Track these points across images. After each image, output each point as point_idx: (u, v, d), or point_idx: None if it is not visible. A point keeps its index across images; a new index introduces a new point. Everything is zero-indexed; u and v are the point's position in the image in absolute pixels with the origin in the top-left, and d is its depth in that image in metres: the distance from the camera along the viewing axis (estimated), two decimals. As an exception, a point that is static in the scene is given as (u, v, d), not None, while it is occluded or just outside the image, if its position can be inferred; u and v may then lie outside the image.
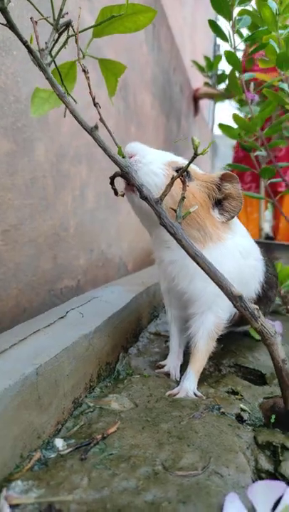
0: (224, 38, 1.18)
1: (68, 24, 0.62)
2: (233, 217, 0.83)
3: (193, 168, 0.82)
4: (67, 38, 0.63)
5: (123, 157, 0.65)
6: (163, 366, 0.92)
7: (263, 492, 0.51)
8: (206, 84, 2.76)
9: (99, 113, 0.62)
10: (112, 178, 0.67)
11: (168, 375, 0.89)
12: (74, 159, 1.26)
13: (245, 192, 0.86)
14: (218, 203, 0.83)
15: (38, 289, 1.10)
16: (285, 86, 1.14)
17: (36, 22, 0.60)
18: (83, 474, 0.54)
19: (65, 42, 0.63)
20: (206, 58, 2.57)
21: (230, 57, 1.17)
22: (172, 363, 0.91)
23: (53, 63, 0.61)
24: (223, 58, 1.18)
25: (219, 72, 2.57)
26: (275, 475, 0.61)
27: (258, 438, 0.66)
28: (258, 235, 2.27)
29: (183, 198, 0.65)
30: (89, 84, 0.62)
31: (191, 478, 0.54)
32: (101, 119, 0.63)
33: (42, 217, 1.10)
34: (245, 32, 1.68)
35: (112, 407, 0.73)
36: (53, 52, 0.62)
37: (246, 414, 0.75)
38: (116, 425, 0.66)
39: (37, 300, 1.09)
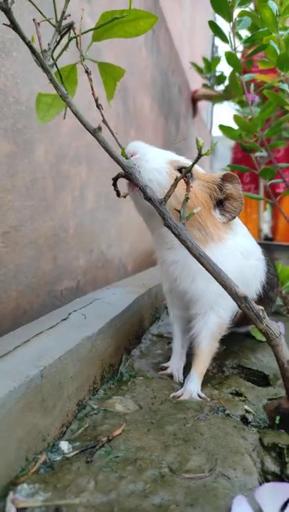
0: (224, 39, 1.18)
1: (70, 26, 0.61)
2: (234, 217, 0.83)
3: (195, 167, 0.82)
4: (69, 40, 0.62)
5: (126, 158, 0.64)
6: (166, 368, 0.91)
7: (271, 494, 0.51)
8: (205, 85, 2.76)
9: (102, 114, 0.62)
10: (115, 180, 0.67)
11: (171, 376, 0.89)
12: (74, 160, 1.26)
13: (244, 193, 0.85)
14: (220, 204, 0.83)
15: (38, 290, 1.09)
16: (285, 87, 1.14)
17: (39, 23, 0.60)
18: (90, 477, 0.53)
19: (67, 44, 0.63)
20: (205, 60, 2.57)
21: (231, 58, 1.17)
22: (175, 365, 0.90)
23: (54, 65, 0.61)
24: (222, 60, 1.18)
25: (217, 74, 2.57)
26: (281, 477, 0.61)
27: (264, 439, 0.66)
28: (257, 236, 2.27)
29: (187, 198, 0.65)
30: (91, 85, 0.62)
31: (198, 481, 0.53)
32: (104, 121, 0.62)
33: (42, 219, 1.09)
34: (244, 34, 1.69)
35: (117, 410, 0.73)
36: (55, 54, 0.61)
37: (251, 415, 0.74)
38: (121, 427, 0.65)
39: (37, 302, 1.09)
